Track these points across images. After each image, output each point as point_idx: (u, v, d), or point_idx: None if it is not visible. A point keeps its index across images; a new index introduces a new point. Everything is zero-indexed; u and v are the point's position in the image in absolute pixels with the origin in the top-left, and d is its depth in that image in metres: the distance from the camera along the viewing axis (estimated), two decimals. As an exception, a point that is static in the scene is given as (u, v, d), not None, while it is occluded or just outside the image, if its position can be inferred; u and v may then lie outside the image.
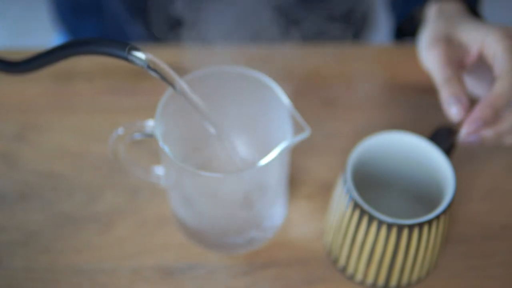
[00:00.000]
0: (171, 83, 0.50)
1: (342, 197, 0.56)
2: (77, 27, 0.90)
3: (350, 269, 0.58)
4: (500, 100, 0.56)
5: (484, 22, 0.63)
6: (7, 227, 0.61)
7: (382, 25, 1.05)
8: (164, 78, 0.50)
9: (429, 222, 0.53)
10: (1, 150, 0.66)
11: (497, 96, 0.56)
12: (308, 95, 0.71)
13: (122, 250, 0.60)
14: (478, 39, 0.60)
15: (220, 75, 0.58)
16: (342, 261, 0.58)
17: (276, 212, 0.59)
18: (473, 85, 0.64)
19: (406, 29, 0.76)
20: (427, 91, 0.70)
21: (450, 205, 0.54)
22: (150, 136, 0.55)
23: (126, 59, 0.47)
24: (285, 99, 0.55)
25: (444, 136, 0.59)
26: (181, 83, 0.51)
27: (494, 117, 0.56)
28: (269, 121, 0.59)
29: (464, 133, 0.57)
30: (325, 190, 0.64)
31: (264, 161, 0.52)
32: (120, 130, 0.55)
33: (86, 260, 0.59)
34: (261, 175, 0.54)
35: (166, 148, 0.53)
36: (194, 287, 0.58)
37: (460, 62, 0.61)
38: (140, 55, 0.47)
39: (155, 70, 0.49)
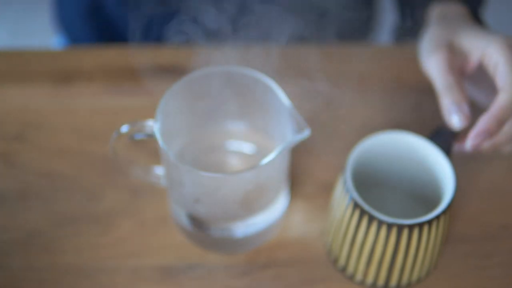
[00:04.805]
0: None
1: (342, 197, 0.56)
2: (76, 29, 0.90)
3: (350, 269, 0.58)
4: (505, 112, 0.56)
5: (486, 29, 0.63)
6: (7, 226, 0.61)
7: (384, 25, 1.05)
8: None
9: (429, 222, 0.53)
10: (1, 150, 0.66)
11: (501, 108, 0.56)
12: (308, 95, 0.71)
13: (122, 250, 0.60)
14: (479, 48, 0.60)
15: (220, 75, 0.58)
16: (342, 261, 0.58)
17: (276, 212, 0.59)
18: (473, 90, 0.64)
19: (409, 30, 0.75)
20: (427, 92, 0.70)
21: (450, 205, 0.54)
22: (150, 136, 0.55)
23: None
24: (285, 99, 0.55)
25: (444, 136, 0.59)
26: None
27: (499, 129, 0.57)
28: (269, 121, 0.59)
29: (470, 146, 0.57)
30: (325, 190, 0.64)
31: (264, 161, 0.52)
32: (120, 130, 0.55)
33: (86, 260, 0.59)
34: (261, 175, 0.54)
35: (166, 148, 0.53)
36: (194, 287, 0.58)
37: (461, 69, 0.61)
38: None
39: None
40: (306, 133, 0.53)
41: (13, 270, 0.59)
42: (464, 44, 0.61)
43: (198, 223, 0.58)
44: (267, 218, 0.59)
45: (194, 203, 0.56)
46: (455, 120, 0.57)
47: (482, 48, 0.59)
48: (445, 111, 0.58)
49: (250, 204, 0.56)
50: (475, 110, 0.62)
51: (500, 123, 0.56)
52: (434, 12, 0.68)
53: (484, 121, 0.56)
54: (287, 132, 0.55)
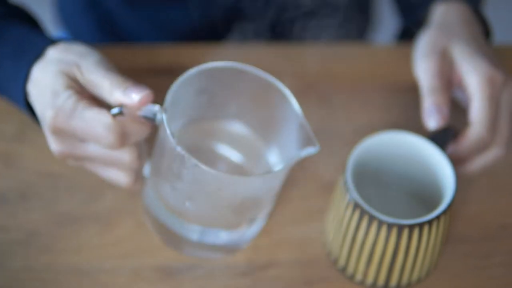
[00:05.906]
0: None
1: (342, 197, 0.56)
2: (76, 22, 0.90)
3: (350, 269, 0.58)
4: (474, 146, 0.59)
5: (479, 46, 0.63)
6: (7, 226, 0.61)
7: (385, 25, 1.05)
8: None
9: (429, 222, 0.53)
10: (1, 150, 0.66)
11: (470, 143, 0.59)
12: (308, 95, 0.71)
13: (122, 250, 0.60)
14: (462, 70, 0.61)
15: (234, 71, 0.56)
16: (342, 261, 0.58)
17: (258, 224, 0.59)
18: (461, 92, 0.64)
19: (413, 31, 0.75)
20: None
21: (450, 205, 0.54)
22: (152, 120, 0.53)
23: None
24: (297, 108, 0.55)
25: (444, 136, 0.59)
26: None
27: (472, 157, 0.60)
28: (278, 126, 0.58)
29: None
30: (325, 190, 0.64)
31: (276, 169, 0.51)
32: None
33: (86, 259, 0.59)
34: (261, 185, 0.53)
35: (174, 139, 0.51)
36: (194, 287, 0.58)
37: (449, 78, 0.62)
38: None
39: None
40: (315, 149, 0.52)
41: (13, 270, 0.59)
42: (455, 57, 0.63)
43: (179, 221, 0.57)
44: (250, 228, 0.58)
45: (186, 200, 0.55)
46: (431, 122, 0.60)
47: (464, 72, 0.61)
48: (425, 112, 0.60)
49: (243, 210, 0.55)
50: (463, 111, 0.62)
51: (471, 153, 0.59)
52: (436, 13, 0.68)
53: (457, 152, 0.59)
54: (294, 140, 0.54)
